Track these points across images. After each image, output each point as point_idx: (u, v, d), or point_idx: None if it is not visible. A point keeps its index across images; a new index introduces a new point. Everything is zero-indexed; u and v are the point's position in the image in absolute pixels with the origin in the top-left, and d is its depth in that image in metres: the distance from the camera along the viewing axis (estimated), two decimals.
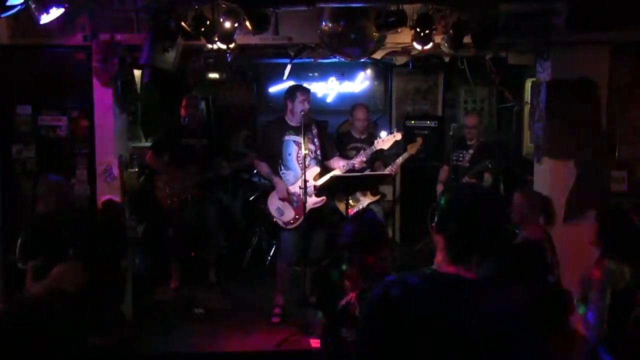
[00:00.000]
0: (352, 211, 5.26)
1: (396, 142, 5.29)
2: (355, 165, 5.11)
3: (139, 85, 4.89)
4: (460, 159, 5.85)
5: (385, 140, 5.19)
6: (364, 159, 5.15)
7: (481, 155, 5.68)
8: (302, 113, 4.88)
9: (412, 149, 5.49)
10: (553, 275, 3.68)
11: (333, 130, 7.34)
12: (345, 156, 5.47)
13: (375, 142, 5.20)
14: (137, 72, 4.81)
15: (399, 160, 5.46)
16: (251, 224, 6.95)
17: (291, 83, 7.45)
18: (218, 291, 5.78)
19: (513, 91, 6.48)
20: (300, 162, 4.94)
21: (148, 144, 6.37)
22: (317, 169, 5.08)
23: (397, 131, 5.36)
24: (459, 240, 1.82)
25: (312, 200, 4.99)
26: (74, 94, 4.88)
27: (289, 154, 5.04)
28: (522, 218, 3.73)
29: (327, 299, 2.98)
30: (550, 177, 5.03)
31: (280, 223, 5.05)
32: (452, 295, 1.74)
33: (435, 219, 1.89)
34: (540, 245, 3.64)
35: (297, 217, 4.99)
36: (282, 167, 5.07)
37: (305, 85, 5.43)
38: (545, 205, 3.84)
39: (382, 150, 5.28)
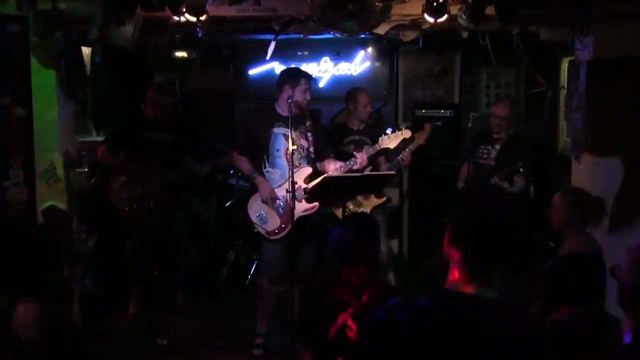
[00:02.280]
0: None
1: (404, 140, 5.32)
2: (354, 167, 5.13)
3: (88, 67, 4.87)
4: (484, 155, 5.85)
5: (392, 138, 5.23)
6: (365, 158, 5.16)
7: (511, 152, 5.68)
8: (290, 102, 4.87)
9: (420, 138, 5.54)
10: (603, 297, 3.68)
11: (327, 121, 7.34)
12: (341, 152, 5.47)
13: (380, 140, 5.23)
14: (86, 50, 4.79)
15: (407, 150, 5.49)
16: (228, 234, 6.94)
17: (276, 65, 7.54)
18: (186, 317, 5.75)
19: (546, 73, 6.47)
20: (289, 159, 4.93)
21: (101, 138, 6.34)
22: (308, 170, 5.08)
23: (406, 127, 5.38)
24: (479, 254, 1.82)
25: (302, 207, 4.99)
26: (6, 76, 4.84)
27: (277, 150, 5.04)
28: (565, 225, 3.75)
29: (314, 326, 2.97)
30: (591, 179, 5.01)
31: (263, 233, 5.04)
32: (470, 321, 1.74)
33: (450, 229, 1.89)
34: (588, 259, 3.64)
35: (283, 226, 4.99)
36: (267, 164, 5.08)
37: (294, 66, 5.44)
38: (595, 209, 3.85)
39: (387, 148, 5.32)
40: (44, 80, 4.79)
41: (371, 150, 5.22)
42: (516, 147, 5.74)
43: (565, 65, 6.41)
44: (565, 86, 5.55)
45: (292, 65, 6.64)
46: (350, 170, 5.11)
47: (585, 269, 3.63)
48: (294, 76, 5.05)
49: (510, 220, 1.87)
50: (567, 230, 3.81)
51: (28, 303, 3.25)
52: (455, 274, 1.86)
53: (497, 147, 5.79)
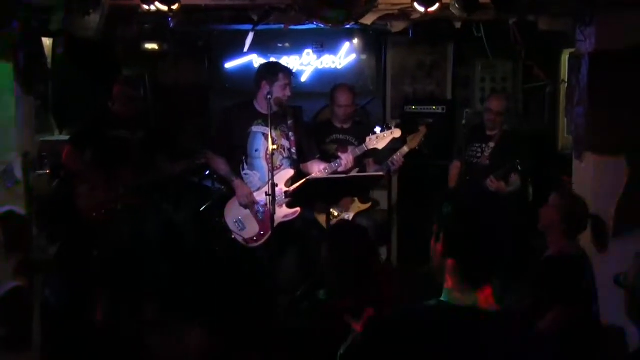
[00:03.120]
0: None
1: (393, 139, 5.31)
2: (339, 169, 5.14)
3: (50, 59, 4.81)
4: (478, 154, 5.86)
5: (380, 138, 5.23)
6: (352, 159, 5.15)
7: (505, 150, 5.70)
8: (269, 99, 4.84)
9: (413, 142, 5.52)
10: (596, 304, 3.70)
11: (309, 118, 7.32)
12: (323, 151, 5.45)
13: (367, 140, 5.23)
14: (47, 42, 4.74)
15: (397, 156, 5.47)
16: (202, 242, 6.89)
17: (254, 57, 7.51)
18: (157, 331, 5.70)
19: (545, 66, 6.50)
20: (269, 160, 4.93)
21: (64, 137, 6.28)
22: (290, 172, 5.10)
23: (396, 126, 5.36)
24: (475, 263, 1.81)
25: (282, 212, 5.00)
26: None
27: (256, 150, 5.06)
28: (550, 226, 3.80)
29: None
30: (594, 179, 5.02)
31: (241, 240, 5.04)
32: (467, 334, 1.73)
33: (441, 235, 1.87)
34: (578, 261, 3.68)
35: (262, 232, 5.00)
36: (246, 166, 5.10)
37: (274, 59, 5.42)
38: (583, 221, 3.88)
39: (375, 149, 5.32)
40: None
41: (357, 151, 5.21)
42: (512, 145, 5.75)
43: (565, 57, 6.42)
44: (566, 80, 5.57)
45: (272, 59, 6.62)
46: (335, 173, 5.10)
47: (569, 270, 3.66)
48: (272, 71, 5.05)
49: (507, 226, 1.86)
50: (551, 234, 3.88)
51: None
52: (450, 283, 1.85)
53: (492, 144, 5.80)
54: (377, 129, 5.32)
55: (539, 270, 3.86)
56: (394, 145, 5.67)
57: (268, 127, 4.84)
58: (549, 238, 3.90)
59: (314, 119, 7.38)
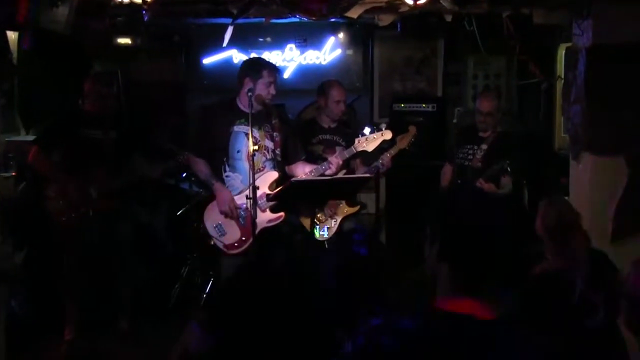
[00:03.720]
0: (320, 230, 5.24)
1: (383, 141, 5.32)
2: (327, 171, 5.13)
3: (15, 54, 4.78)
4: (470, 156, 5.86)
5: (370, 140, 5.22)
6: (341, 162, 5.18)
7: (499, 152, 5.70)
8: (250, 96, 4.83)
9: (402, 142, 5.53)
10: (595, 318, 3.68)
11: (293, 117, 7.32)
12: (309, 152, 5.45)
13: (356, 142, 5.22)
14: (12, 35, 4.70)
15: (386, 157, 5.47)
16: (180, 248, 6.89)
17: (234, 53, 7.49)
18: (132, 344, 5.68)
19: (540, 62, 6.51)
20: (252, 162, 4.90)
21: (31, 137, 6.24)
22: (273, 174, 5.07)
23: (386, 127, 5.35)
24: (469, 268, 1.81)
25: (265, 217, 4.97)
26: None
27: (238, 151, 5.03)
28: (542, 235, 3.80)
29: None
30: (591, 180, 5.05)
31: (221, 246, 5.02)
32: (462, 345, 1.72)
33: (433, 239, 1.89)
34: (566, 276, 3.68)
35: (244, 238, 4.97)
36: (227, 168, 5.07)
37: (254, 55, 5.41)
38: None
39: (364, 151, 5.30)
40: None
41: (346, 154, 5.21)
42: (505, 147, 5.75)
43: (562, 52, 6.47)
44: (563, 76, 5.60)
45: (253, 55, 6.61)
46: (322, 176, 5.09)
47: (563, 287, 3.65)
48: (256, 68, 5.03)
49: (502, 230, 1.87)
50: (546, 244, 3.88)
51: None
52: (443, 290, 1.86)
53: (484, 146, 5.80)
54: (367, 130, 5.30)
55: (527, 287, 3.85)
56: (382, 145, 5.67)
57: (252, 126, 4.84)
58: (546, 247, 3.90)
59: (297, 118, 7.37)
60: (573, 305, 3.64)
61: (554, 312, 3.59)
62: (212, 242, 5.05)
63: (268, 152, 5.05)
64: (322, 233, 5.58)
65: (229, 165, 5.04)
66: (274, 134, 5.06)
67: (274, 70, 5.09)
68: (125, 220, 5.76)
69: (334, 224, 5.62)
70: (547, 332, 3.43)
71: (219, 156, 5.04)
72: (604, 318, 3.70)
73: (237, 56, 7.52)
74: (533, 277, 3.80)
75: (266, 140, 5.04)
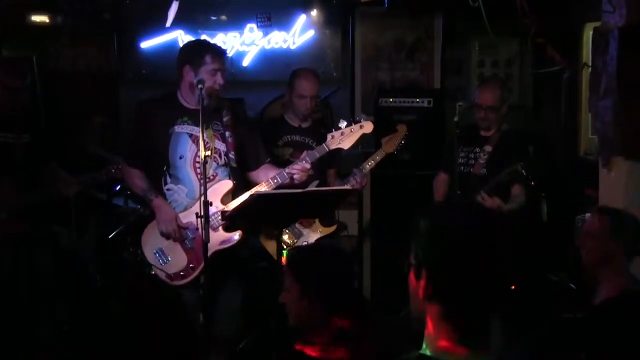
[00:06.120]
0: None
1: (364, 136, 5.27)
2: (295, 177, 5.10)
3: None
4: (470, 161, 5.88)
5: (346, 134, 5.19)
6: (308, 167, 5.12)
7: (507, 154, 5.70)
8: (200, 89, 4.81)
9: (389, 145, 5.53)
10: None
11: (255, 114, 7.29)
12: (275, 156, 5.45)
13: (329, 137, 5.21)
14: None
15: (368, 165, 5.47)
16: (112, 279, 6.80)
17: (180, 35, 7.46)
18: None
19: (562, 46, 6.54)
20: (199, 171, 4.88)
21: None
22: (227, 184, 5.09)
23: (366, 118, 5.33)
24: (466, 307, 1.86)
25: (218, 237, 5.00)
26: None
27: (181, 157, 5.06)
28: (603, 259, 3.78)
29: None
30: (626, 191, 5.09)
31: (163, 277, 5.02)
32: None
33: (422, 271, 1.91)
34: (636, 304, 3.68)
35: (192, 265, 5.00)
36: (169, 179, 5.09)
37: (205, 38, 5.37)
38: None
39: (339, 150, 5.27)
40: None
41: (316, 153, 5.16)
42: (514, 146, 5.74)
43: (588, 33, 6.49)
44: (590, 64, 5.61)
45: (205, 37, 6.59)
46: (290, 185, 5.06)
47: (634, 317, 3.63)
48: (197, 52, 5.04)
49: (510, 255, 1.86)
50: (604, 267, 3.82)
51: None
52: (433, 333, 1.88)
53: (488, 148, 5.82)
54: (342, 123, 5.24)
55: (590, 320, 3.82)
56: (366, 149, 5.64)
57: (195, 125, 4.82)
58: (602, 273, 3.86)
59: (260, 115, 7.35)
60: None
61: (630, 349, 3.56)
62: (152, 272, 5.03)
63: (219, 156, 5.05)
64: None
65: (170, 176, 5.04)
66: (227, 133, 5.05)
67: (220, 54, 5.08)
68: (43, 245, 5.76)
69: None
70: None
71: (158, 164, 5.02)
72: None
73: (184, 39, 7.48)
74: (592, 311, 3.78)
75: (216, 141, 5.05)
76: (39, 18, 5.80)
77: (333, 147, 5.17)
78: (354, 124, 5.23)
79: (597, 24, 5.37)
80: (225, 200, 5.03)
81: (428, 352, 1.89)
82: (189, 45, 5.32)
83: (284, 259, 5.04)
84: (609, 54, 5.05)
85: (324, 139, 5.31)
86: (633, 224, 3.94)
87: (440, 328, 1.87)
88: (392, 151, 5.57)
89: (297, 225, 5.61)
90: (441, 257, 1.88)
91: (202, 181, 4.77)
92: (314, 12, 7.81)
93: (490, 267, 1.85)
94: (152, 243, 5.04)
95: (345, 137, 5.17)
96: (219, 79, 4.98)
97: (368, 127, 5.22)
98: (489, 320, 1.88)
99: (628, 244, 3.85)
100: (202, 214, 4.64)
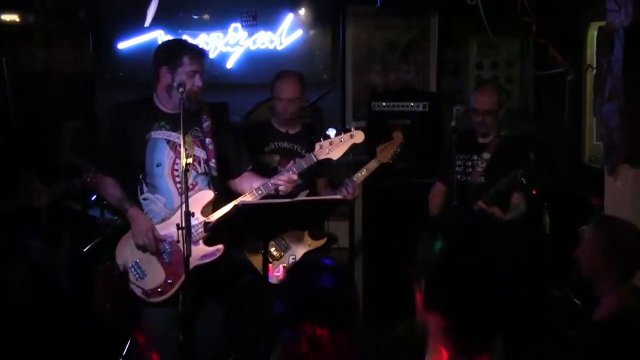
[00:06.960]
0: (275, 269, 5.22)
1: (354, 146, 5.29)
2: (280, 189, 5.10)
3: None
4: (468, 169, 5.90)
5: (335, 144, 5.18)
6: (295, 177, 5.14)
7: (507, 161, 5.72)
8: (181, 92, 4.81)
9: (384, 154, 5.54)
10: None
11: (240, 118, 7.30)
12: (261, 164, 5.45)
13: (317, 147, 5.19)
14: None
15: (361, 174, 5.47)
16: (87, 296, 6.80)
17: (160, 35, 7.48)
18: None
19: (564, 46, 6.58)
20: (178, 179, 4.90)
21: None
22: (208, 194, 5.06)
23: (357, 127, 5.33)
24: (470, 322, 1.87)
25: (199, 251, 4.98)
26: None
27: (158, 165, 5.05)
28: (592, 277, 3.80)
29: None
30: (633, 201, 5.09)
31: (139, 293, 5.00)
32: None
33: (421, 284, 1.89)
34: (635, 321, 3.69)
35: (170, 281, 4.98)
36: (145, 188, 5.08)
37: (187, 38, 5.38)
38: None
39: (328, 160, 5.28)
40: None
41: (303, 163, 5.15)
42: (514, 152, 5.76)
43: (593, 33, 6.53)
44: (594, 65, 5.64)
45: (186, 38, 6.61)
46: (276, 195, 5.07)
47: (633, 335, 3.65)
48: (174, 52, 5.02)
49: (514, 267, 1.89)
50: (598, 282, 3.85)
51: None
52: (433, 344, 1.88)
53: (486, 155, 5.84)
54: (331, 132, 5.22)
55: (586, 338, 3.83)
56: (358, 157, 5.66)
57: (175, 131, 4.83)
58: (599, 288, 3.89)
59: (245, 120, 7.36)
60: None
61: None
62: (129, 288, 5.02)
63: (199, 164, 5.03)
64: (276, 274, 5.53)
65: (147, 184, 5.02)
66: (207, 140, 5.05)
67: (199, 55, 5.06)
68: (13, 259, 5.74)
69: (292, 261, 5.60)
70: None
71: (134, 172, 5.01)
72: None
73: (164, 39, 7.48)
74: (592, 327, 3.79)
75: (196, 148, 5.02)
76: (8, 17, 5.80)
77: (321, 157, 5.16)
78: (344, 132, 5.20)
79: (602, 23, 5.38)
80: (205, 211, 5.00)
81: None
82: (165, 45, 5.32)
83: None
84: (614, 55, 5.06)
85: (314, 146, 5.33)
86: (632, 241, 3.88)
87: (439, 340, 1.89)
88: (387, 161, 5.56)
89: (284, 237, 5.61)
90: (438, 269, 1.90)
91: (181, 190, 4.80)
92: (302, 11, 7.83)
93: (490, 280, 1.87)
94: (129, 256, 5.01)
95: (334, 147, 5.16)
96: (197, 81, 4.95)
97: (359, 136, 5.21)
98: (489, 335, 1.90)
99: (620, 262, 3.80)
100: (183, 225, 4.63)
